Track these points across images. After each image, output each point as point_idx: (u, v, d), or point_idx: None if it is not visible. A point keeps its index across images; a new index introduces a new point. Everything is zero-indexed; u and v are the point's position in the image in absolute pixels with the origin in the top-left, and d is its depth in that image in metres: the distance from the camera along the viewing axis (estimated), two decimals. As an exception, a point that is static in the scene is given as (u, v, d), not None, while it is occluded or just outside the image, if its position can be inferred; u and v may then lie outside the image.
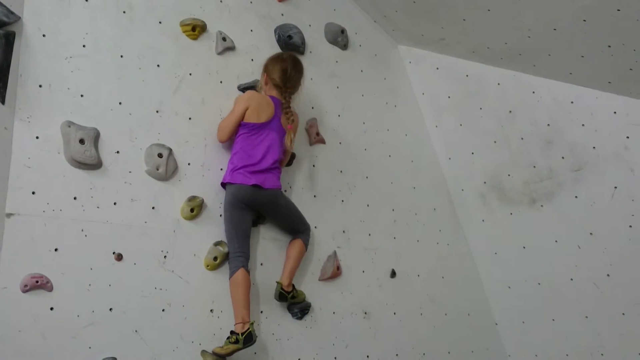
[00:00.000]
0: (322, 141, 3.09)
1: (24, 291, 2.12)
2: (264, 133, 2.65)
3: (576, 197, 3.09)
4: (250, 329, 2.43)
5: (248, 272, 2.54)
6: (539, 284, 3.30)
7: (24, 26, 2.27)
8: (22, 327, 2.10)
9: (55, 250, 2.22)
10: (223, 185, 2.64)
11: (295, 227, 2.80)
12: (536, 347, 3.36)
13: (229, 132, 2.65)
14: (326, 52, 3.24)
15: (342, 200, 3.11)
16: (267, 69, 2.76)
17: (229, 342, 2.41)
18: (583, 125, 3.03)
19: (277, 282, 2.68)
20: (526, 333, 3.40)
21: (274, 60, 2.76)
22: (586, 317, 3.14)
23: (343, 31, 3.31)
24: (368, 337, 3.02)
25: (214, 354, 2.41)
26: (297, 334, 2.77)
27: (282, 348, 2.71)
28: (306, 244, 2.81)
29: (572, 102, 3.05)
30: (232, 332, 2.45)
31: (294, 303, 2.75)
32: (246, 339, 2.41)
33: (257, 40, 2.96)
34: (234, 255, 2.55)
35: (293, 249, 2.76)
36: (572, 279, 3.16)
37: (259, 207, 2.66)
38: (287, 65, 2.72)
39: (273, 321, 2.71)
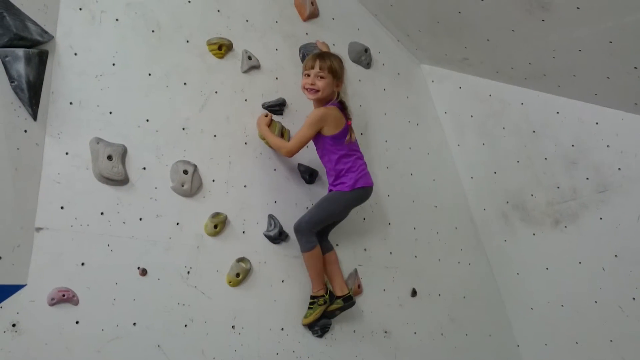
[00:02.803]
0: (345, 159, 3.11)
1: (51, 304, 2.16)
2: (344, 135, 2.73)
3: (601, 218, 3.05)
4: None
5: None
6: (562, 305, 3.26)
7: (56, 45, 2.33)
8: (48, 340, 2.14)
9: (82, 264, 2.25)
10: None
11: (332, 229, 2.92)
12: (559, 371, 3.32)
13: (298, 151, 2.72)
14: (349, 70, 3.25)
15: (364, 218, 3.12)
16: (340, 72, 2.76)
17: (318, 305, 2.70)
18: (608, 146, 3.00)
19: (349, 289, 2.86)
20: (549, 356, 3.34)
21: (342, 65, 2.78)
22: (611, 340, 3.09)
23: (366, 50, 3.33)
24: (388, 356, 3.01)
25: (305, 325, 2.73)
26: (318, 352, 2.77)
27: (302, 366, 2.71)
28: None
29: (597, 123, 3.03)
30: (313, 297, 2.73)
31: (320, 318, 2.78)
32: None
33: (281, 59, 3.00)
34: (311, 232, 2.72)
35: (336, 261, 2.87)
36: (596, 302, 3.11)
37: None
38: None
39: (294, 339, 2.72)
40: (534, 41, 2.88)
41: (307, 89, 2.72)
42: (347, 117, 2.76)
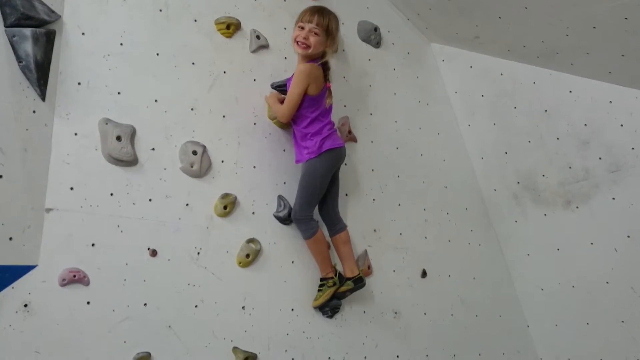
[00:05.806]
0: (354, 139, 3.09)
1: (62, 285, 2.17)
2: (323, 97, 2.70)
3: (613, 198, 3.02)
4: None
5: None
6: (573, 286, 3.24)
7: (64, 25, 2.31)
8: (59, 321, 2.15)
9: (92, 245, 2.25)
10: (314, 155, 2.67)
11: (337, 203, 2.83)
12: (569, 351, 3.30)
13: (293, 113, 2.66)
14: (359, 50, 3.23)
15: (374, 199, 3.10)
16: (335, 33, 2.69)
17: (327, 287, 2.70)
18: (622, 125, 2.96)
19: (360, 270, 2.82)
20: (559, 336, 3.34)
21: (338, 25, 2.72)
22: (622, 321, 3.07)
23: (376, 29, 3.29)
24: (398, 337, 3.01)
25: (315, 307, 2.72)
26: (328, 333, 2.78)
27: (312, 346, 2.71)
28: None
29: (610, 102, 2.99)
30: (322, 280, 2.73)
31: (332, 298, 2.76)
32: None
33: (290, 39, 2.93)
34: (308, 217, 2.69)
35: (348, 241, 2.82)
36: (607, 282, 3.09)
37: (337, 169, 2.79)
38: None
39: (304, 319, 2.72)
40: (547, 18, 2.83)
41: (297, 42, 2.65)
42: (327, 79, 2.71)
